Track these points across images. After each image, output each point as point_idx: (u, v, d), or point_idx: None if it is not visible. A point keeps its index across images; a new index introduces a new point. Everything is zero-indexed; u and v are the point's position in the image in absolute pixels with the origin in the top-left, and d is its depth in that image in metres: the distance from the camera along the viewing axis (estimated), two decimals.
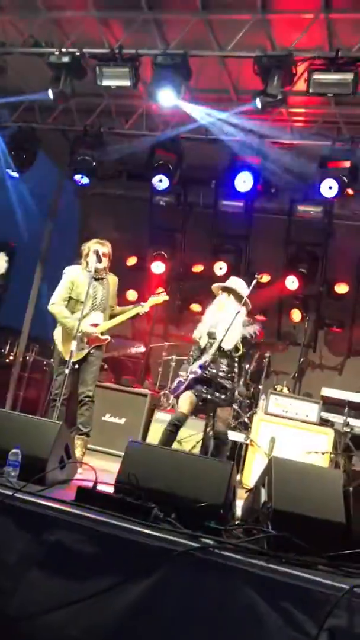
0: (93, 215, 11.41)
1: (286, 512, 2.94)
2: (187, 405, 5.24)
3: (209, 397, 5.19)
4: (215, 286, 5.66)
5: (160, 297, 5.82)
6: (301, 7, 6.62)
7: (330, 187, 7.41)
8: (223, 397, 5.19)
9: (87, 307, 5.14)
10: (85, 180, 8.62)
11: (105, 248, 5.38)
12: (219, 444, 5.26)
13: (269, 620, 2.48)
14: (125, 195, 10.79)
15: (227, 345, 5.18)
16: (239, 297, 5.33)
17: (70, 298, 5.31)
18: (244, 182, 8.09)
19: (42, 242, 11.22)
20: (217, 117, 7.68)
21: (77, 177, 8.63)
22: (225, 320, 5.21)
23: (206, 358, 5.17)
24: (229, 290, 5.46)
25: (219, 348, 5.17)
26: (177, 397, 5.40)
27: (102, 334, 5.26)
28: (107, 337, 5.33)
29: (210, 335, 5.30)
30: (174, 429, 5.19)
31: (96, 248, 5.31)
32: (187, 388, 5.24)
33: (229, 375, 5.24)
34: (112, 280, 5.50)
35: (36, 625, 2.64)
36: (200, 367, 5.16)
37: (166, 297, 5.90)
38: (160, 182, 8.30)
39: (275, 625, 2.46)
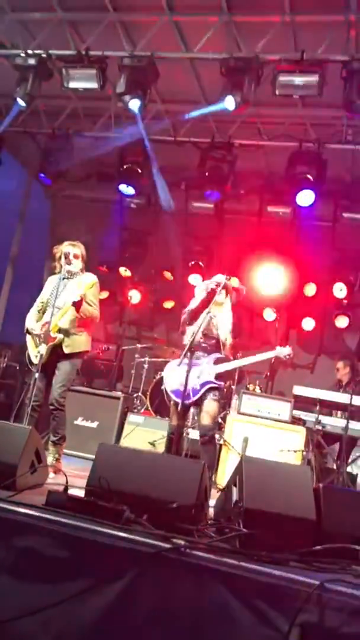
0: (63, 218, 11.33)
1: (257, 510, 2.96)
2: (183, 413, 5.18)
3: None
4: (200, 286, 5.53)
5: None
6: (267, 10, 6.67)
7: (306, 197, 7.57)
8: (215, 393, 5.07)
9: (50, 307, 5.07)
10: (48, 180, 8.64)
11: (76, 249, 5.32)
12: (205, 440, 4.97)
13: (242, 618, 2.49)
14: (96, 198, 10.75)
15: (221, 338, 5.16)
16: (228, 293, 5.33)
17: (42, 304, 5.31)
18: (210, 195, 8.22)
19: (11, 245, 11.11)
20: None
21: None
22: (220, 317, 5.22)
23: (222, 367, 5.13)
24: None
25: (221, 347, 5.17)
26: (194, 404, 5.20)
27: (58, 332, 5.09)
28: (57, 335, 5.03)
29: (203, 332, 5.19)
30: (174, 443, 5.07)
31: (67, 250, 5.25)
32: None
33: (224, 374, 5.20)
34: (83, 278, 5.26)
35: (7, 632, 2.61)
36: (216, 377, 5.10)
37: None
38: (127, 188, 8.31)
39: (248, 622, 2.48)
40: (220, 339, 5.24)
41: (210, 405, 5.05)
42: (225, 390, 5.28)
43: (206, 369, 5.13)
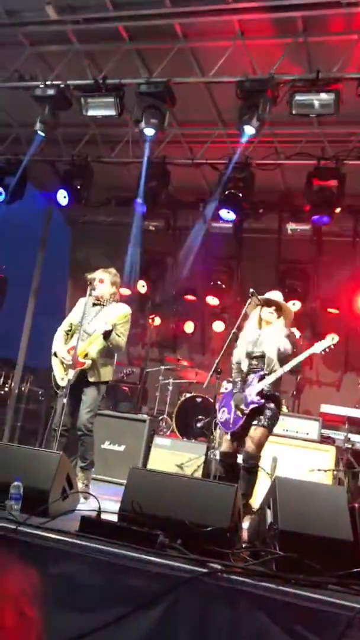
0: (83, 243, 11.46)
1: (293, 532, 2.92)
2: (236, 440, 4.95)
3: (250, 420, 4.81)
4: (252, 301, 5.16)
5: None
6: (280, 32, 6.75)
7: (319, 217, 7.57)
8: (263, 418, 4.78)
9: (78, 332, 5.11)
10: (66, 200, 8.67)
11: (103, 275, 5.35)
12: (247, 468, 4.72)
13: None
14: (115, 222, 10.86)
15: (277, 365, 4.85)
16: (279, 309, 5.06)
17: (71, 325, 5.35)
18: (227, 213, 8.23)
19: (33, 272, 11.25)
20: None
21: (61, 192, 8.67)
22: (270, 335, 4.94)
23: (261, 385, 4.83)
24: (270, 303, 5.09)
25: (269, 369, 4.87)
26: (234, 434, 4.95)
27: (85, 357, 5.12)
28: (86, 361, 5.06)
29: (250, 355, 4.96)
30: (228, 468, 4.96)
31: (93, 275, 5.31)
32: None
33: (268, 394, 4.86)
34: (116, 307, 5.31)
35: None
36: (259, 395, 4.81)
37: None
38: (141, 205, 8.38)
39: None
40: (268, 354, 4.90)
41: (255, 432, 4.77)
42: (277, 413, 4.93)
43: (251, 390, 4.90)
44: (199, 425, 7.88)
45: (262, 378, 4.87)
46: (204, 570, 2.64)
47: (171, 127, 8.16)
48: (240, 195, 7.99)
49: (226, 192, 8.00)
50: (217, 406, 5.35)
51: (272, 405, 4.86)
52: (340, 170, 7.58)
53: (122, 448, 7.46)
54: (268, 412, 4.83)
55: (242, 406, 4.86)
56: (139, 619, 2.59)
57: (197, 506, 3.12)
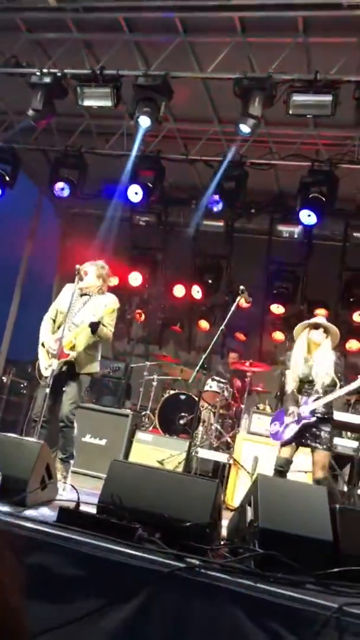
0: (73, 235, 11.38)
1: (273, 530, 2.89)
2: (289, 450, 5.03)
3: (308, 442, 4.94)
4: (302, 324, 5.31)
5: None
6: (281, 31, 6.74)
7: (309, 215, 7.54)
8: (322, 441, 4.91)
9: (65, 322, 5.05)
10: (66, 192, 8.57)
11: (90, 267, 5.30)
12: None
13: None
14: (106, 215, 10.78)
15: (330, 387, 4.99)
16: (328, 333, 5.17)
17: (57, 311, 5.28)
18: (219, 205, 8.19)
19: (20, 263, 11.14)
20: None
21: (59, 184, 8.56)
22: (321, 359, 5.04)
23: (315, 404, 4.93)
24: (318, 326, 5.19)
25: (322, 391, 4.97)
26: (284, 445, 5.06)
27: (71, 348, 5.07)
28: (71, 353, 5.01)
29: (303, 379, 5.07)
30: (282, 475, 4.98)
31: (81, 267, 5.26)
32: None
33: (326, 416, 4.99)
34: (102, 299, 5.24)
35: None
36: (312, 413, 4.92)
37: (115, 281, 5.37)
38: (136, 194, 8.27)
39: None
40: (319, 378, 5.03)
41: (318, 456, 4.92)
42: (333, 434, 5.14)
43: (304, 408, 5.00)
44: (181, 422, 7.86)
45: (317, 399, 4.98)
46: (182, 565, 2.61)
47: (166, 121, 8.13)
48: (233, 193, 7.95)
49: (220, 190, 7.96)
50: (269, 422, 5.45)
51: (328, 427, 4.99)
52: (333, 173, 7.59)
53: (103, 442, 7.41)
54: (326, 435, 4.96)
55: (296, 417, 4.97)
56: (115, 612, 2.56)
57: (178, 501, 3.09)
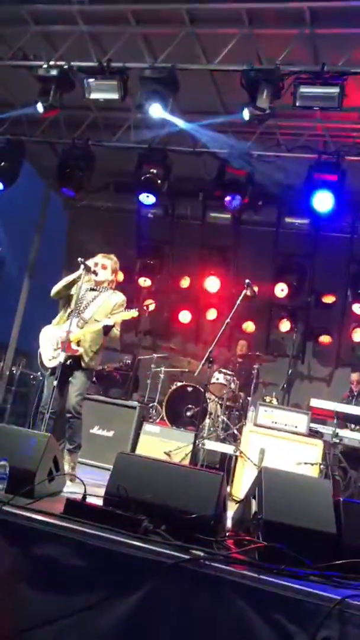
0: (81, 228, 11.40)
1: (277, 522, 2.92)
2: None
3: None
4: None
5: (129, 312, 5.26)
6: (288, 22, 6.70)
7: (319, 207, 7.47)
8: None
9: (73, 313, 5.09)
10: (71, 193, 8.60)
11: (105, 260, 5.35)
12: None
13: (261, 633, 2.45)
14: (113, 208, 10.80)
15: None
16: None
17: (67, 302, 5.28)
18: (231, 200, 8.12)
19: (29, 255, 11.19)
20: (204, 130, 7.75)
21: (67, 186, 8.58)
22: None
23: None
24: None
25: None
26: None
27: (77, 344, 5.12)
28: (78, 349, 5.05)
29: None
30: None
31: (95, 260, 5.30)
32: None
33: None
34: (113, 297, 5.27)
35: None
36: None
37: (135, 313, 5.29)
38: (148, 198, 8.30)
39: (268, 637, 2.44)
40: None
41: None
42: None
43: None
44: (188, 414, 7.90)
45: None
46: (187, 556, 2.64)
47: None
48: (240, 184, 7.92)
49: (225, 183, 7.93)
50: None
51: None
52: (340, 165, 7.55)
53: (110, 434, 7.46)
54: None
55: None
56: (120, 603, 2.60)
57: (183, 493, 3.11)
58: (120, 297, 5.30)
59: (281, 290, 9.83)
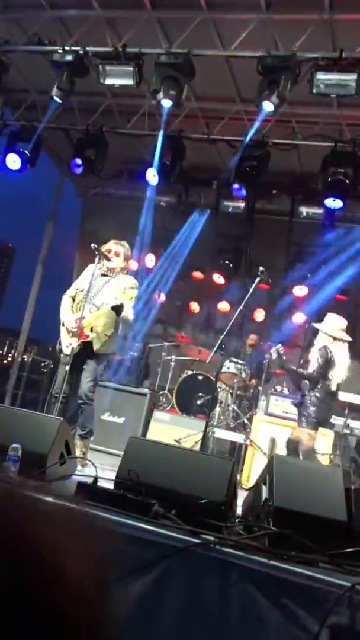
0: (94, 215, 11.39)
1: (287, 509, 2.92)
2: None
3: None
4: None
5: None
6: (306, 8, 6.61)
7: (334, 200, 7.45)
8: None
9: (84, 300, 5.10)
10: (80, 170, 8.52)
11: (119, 247, 5.35)
12: None
13: (270, 617, 2.46)
14: (126, 196, 10.77)
15: None
16: None
17: (77, 290, 5.33)
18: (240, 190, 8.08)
19: (41, 242, 11.21)
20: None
21: (77, 161, 8.50)
22: None
23: None
24: None
25: None
26: None
27: (91, 330, 5.12)
28: (90, 334, 5.06)
29: None
30: None
31: (109, 247, 5.30)
32: None
33: None
34: (123, 282, 5.27)
35: None
36: None
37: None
38: (154, 177, 8.23)
39: (276, 621, 2.44)
40: None
41: None
42: None
43: None
44: (199, 402, 7.90)
45: None
46: (197, 541, 2.65)
47: (188, 100, 8.04)
48: (254, 173, 7.86)
49: (241, 169, 7.87)
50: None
51: None
52: (357, 154, 7.47)
53: (121, 420, 7.48)
54: None
55: None
56: (130, 586, 2.61)
57: (194, 478, 3.12)
58: (130, 280, 5.32)
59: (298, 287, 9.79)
